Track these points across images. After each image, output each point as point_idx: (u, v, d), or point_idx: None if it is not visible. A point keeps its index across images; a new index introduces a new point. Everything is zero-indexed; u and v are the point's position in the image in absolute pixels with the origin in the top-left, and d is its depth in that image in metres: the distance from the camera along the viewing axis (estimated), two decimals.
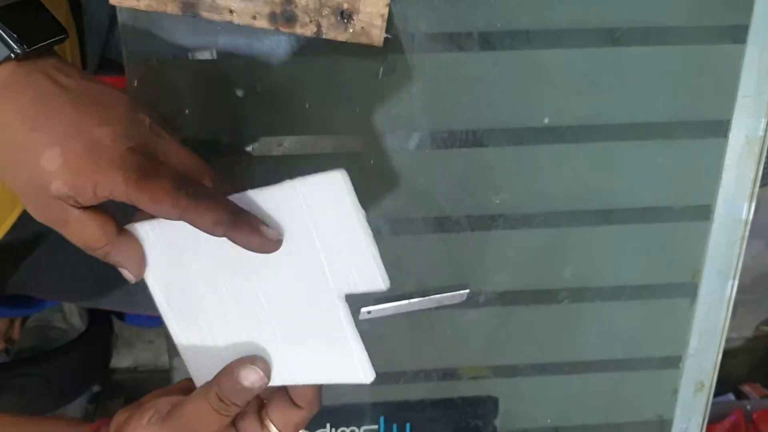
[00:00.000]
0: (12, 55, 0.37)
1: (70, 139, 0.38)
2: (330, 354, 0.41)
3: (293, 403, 0.42)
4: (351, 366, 0.41)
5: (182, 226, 0.38)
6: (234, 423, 0.42)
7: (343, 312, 0.40)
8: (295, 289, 0.41)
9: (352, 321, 0.41)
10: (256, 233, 0.38)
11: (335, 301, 0.40)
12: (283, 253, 0.39)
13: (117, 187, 0.37)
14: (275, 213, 0.39)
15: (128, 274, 0.43)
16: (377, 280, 0.39)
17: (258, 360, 0.42)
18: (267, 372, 0.42)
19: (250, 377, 0.41)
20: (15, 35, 0.37)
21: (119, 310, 0.94)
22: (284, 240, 0.39)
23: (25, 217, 0.55)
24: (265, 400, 0.43)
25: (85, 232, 0.40)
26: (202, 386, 0.42)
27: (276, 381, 0.42)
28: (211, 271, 0.42)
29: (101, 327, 1.16)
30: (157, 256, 0.43)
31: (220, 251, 0.41)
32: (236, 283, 0.42)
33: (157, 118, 0.41)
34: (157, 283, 0.43)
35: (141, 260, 0.43)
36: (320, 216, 0.38)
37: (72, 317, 1.18)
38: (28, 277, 0.68)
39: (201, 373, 0.44)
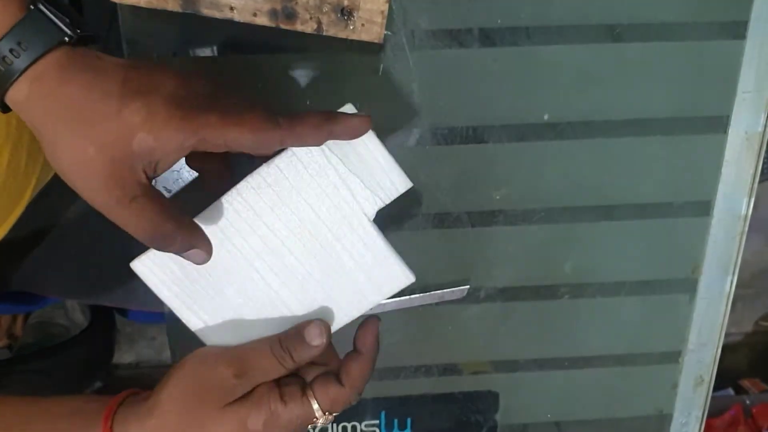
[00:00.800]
0: (66, 38, 0.37)
1: (149, 95, 0.37)
2: (370, 274, 0.45)
3: (337, 380, 0.45)
4: (392, 275, 0.45)
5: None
6: (279, 387, 0.44)
7: (374, 228, 0.44)
8: (319, 229, 0.43)
9: (382, 234, 0.44)
10: (351, 118, 0.40)
11: (363, 221, 0.43)
12: (304, 193, 0.43)
13: (211, 127, 0.37)
14: (294, 156, 0.42)
15: (199, 256, 0.41)
16: (398, 181, 0.43)
17: (322, 322, 0.44)
18: (328, 333, 0.44)
19: (313, 332, 0.44)
20: (67, 19, 0.37)
21: (121, 306, 0.94)
22: (303, 177, 0.42)
23: (26, 215, 0.55)
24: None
25: (150, 214, 0.38)
26: (266, 337, 0.45)
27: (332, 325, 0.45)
28: (234, 243, 0.44)
29: (103, 323, 1.16)
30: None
31: (238, 223, 0.43)
32: (263, 246, 0.44)
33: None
34: (156, 272, 0.44)
35: (206, 237, 0.42)
36: (333, 146, 0.42)
37: (74, 313, 1.18)
38: (31, 275, 0.68)
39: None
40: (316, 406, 0.44)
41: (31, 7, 0.37)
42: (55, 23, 0.37)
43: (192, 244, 0.41)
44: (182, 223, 0.40)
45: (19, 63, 0.36)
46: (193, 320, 0.45)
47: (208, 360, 0.44)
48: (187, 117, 0.37)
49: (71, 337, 1.11)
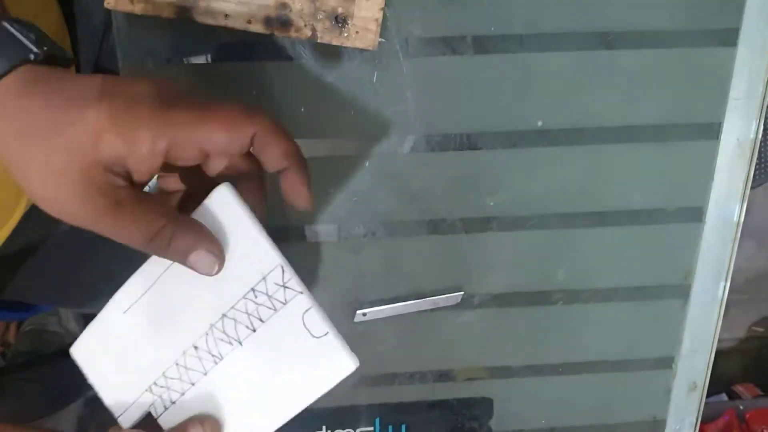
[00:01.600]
0: (31, 56, 0.35)
1: (115, 98, 0.34)
2: (302, 356, 0.39)
3: None
4: (327, 359, 0.39)
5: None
6: None
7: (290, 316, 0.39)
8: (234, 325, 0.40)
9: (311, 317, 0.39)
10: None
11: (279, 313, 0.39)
12: (214, 295, 0.40)
13: (183, 126, 0.34)
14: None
15: (206, 257, 0.38)
16: (274, 267, 0.39)
17: (208, 418, 0.41)
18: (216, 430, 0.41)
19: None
20: (33, 36, 0.35)
21: None
22: (207, 281, 0.39)
23: (20, 226, 0.55)
24: None
25: (141, 212, 0.35)
26: None
27: (273, 426, 0.41)
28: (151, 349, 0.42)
29: None
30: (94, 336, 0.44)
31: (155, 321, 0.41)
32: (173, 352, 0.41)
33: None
34: (87, 362, 0.44)
35: (214, 237, 0.38)
36: (222, 238, 0.38)
37: (68, 321, 1.17)
38: (23, 284, 0.68)
39: None
40: None
41: None
42: (20, 41, 0.35)
43: (193, 244, 0.37)
44: (179, 220, 0.37)
45: None
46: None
47: None
48: (155, 115, 0.34)
49: (65, 345, 1.10)
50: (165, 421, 0.43)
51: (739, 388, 1.61)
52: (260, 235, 0.38)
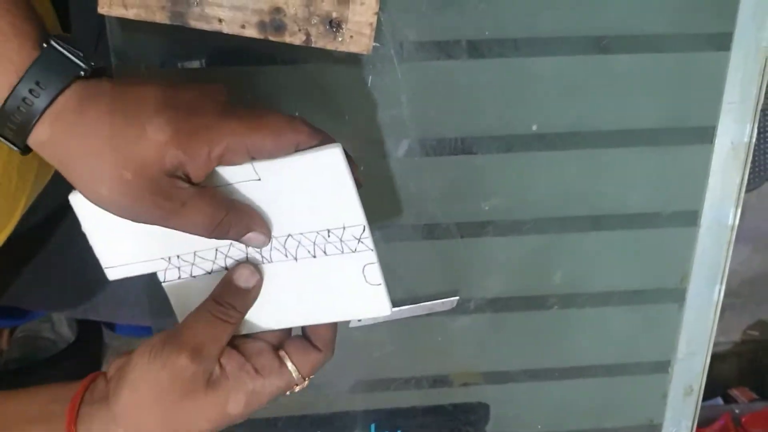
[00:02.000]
0: (82, 72, 0.37)
1: (170, 111, 0.38)
2: (347, 290, 0.46)
3: (311, 344, 0.45)
4: (369, 300, 0.46)
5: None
6: (251, 362, 0.43)
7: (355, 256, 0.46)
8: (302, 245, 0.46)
9: (374, 255, 0.46)
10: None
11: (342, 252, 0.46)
12: (287, 218, 0.45)
13: (235, 135, 0.38)
14: (276, 181, 0.44)
15: (258, 237, 0.43)
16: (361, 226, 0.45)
17: (248, 263, 0.45)
18: (259, 270, 0.45)
19: (243, 274, 0.45)
20: (80, 53, 0.37)
21: (108, 321, 0.93)
22: (287, 205, 0.45)
23: (14, 233, 0.55)
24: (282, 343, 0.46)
25: (204, 208, 0.40)
26: (200, 304, 0.44)
27: (296, 320, 0.47)
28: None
29: (91, 337, 1.15)
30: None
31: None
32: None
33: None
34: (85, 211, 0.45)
35: (262, 218, 0.44)
36: (318, 185, 0.44)
37: (61, 327, 1.17)
38: (17, 290, 0.67)
39: None
40: (296, 374, 0.44)
41: (44, 45, 0.36)
42: (69, 58, 0.37)
43: (248, 227, 0.42)
44: (235, 208, 0.42)
45: (40, 103, 0.36)
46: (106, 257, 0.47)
47: (155, 355, 0.42)
48: (211, 126, 0.38)
49: (58, 351, 1.10)
50: (171, 288, 0.48)
51: (734, 392, 1.61)
52: (356, 197, 0.45)
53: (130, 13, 0.46)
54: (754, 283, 1.68)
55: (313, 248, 0.47)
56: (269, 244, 0.46)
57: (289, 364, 0.44)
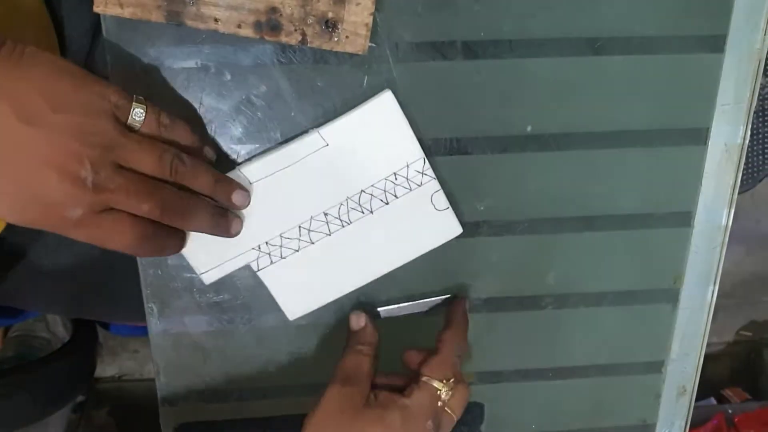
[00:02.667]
0: None
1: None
2: (421, 224, 0.52)
3: (434, 352, 0.50)
4: (441, 226, 0.53)
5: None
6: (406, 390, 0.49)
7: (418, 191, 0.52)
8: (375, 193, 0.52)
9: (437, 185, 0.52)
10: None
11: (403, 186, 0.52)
12: (357, 174, 0.51)
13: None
14: (342, 142, 0.50)
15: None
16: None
17: (356, 312, 0.53)
18: (365, 315, 0.53)
19: (353, 320, 0.53)
20: None
21: (103, 320, 0.93)
22: (356, 162, 0.50)
23: (7, 231, 0.55)
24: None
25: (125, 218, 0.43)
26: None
27: (383, 269, 0.54)
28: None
29: (85, 336, 1.15)
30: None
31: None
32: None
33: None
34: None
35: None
36: (378, 133, 0.50)
37: (56, 326, 1.17)
38: (11, 289, 0.67)
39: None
40: (434, 382, 0.48)
41: None
42: None
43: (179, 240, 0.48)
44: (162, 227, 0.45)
45: None
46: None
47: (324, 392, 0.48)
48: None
49: (53, 351, 1.10)
50: (266, 274, 0.53)
51: (727, 392, 1.62)
52: (412, 134, 0.50)
53: (126, 12, 0.46)
54: (747, 284, 1.69)
55: (385, 196, 0.51)
56: (345, 206, 0.51)
57: (424, 378, 0.49)
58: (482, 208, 0.55)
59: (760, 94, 0.54)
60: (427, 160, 0.51)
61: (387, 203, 0.52)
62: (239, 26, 0.46)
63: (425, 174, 0.51)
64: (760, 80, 0.54)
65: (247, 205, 0.50)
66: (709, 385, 1.64)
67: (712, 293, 0.60)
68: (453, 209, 0.53)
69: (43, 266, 0.67)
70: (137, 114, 0.44)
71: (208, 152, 0.49)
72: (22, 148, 0.40)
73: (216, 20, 0.46)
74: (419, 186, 0.51)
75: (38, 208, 0.41)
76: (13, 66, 0.40)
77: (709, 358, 0.62)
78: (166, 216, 0.45)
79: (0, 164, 0.40)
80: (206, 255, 0.51)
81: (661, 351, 0.62)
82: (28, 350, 1.15)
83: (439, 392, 0.48)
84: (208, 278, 0.52)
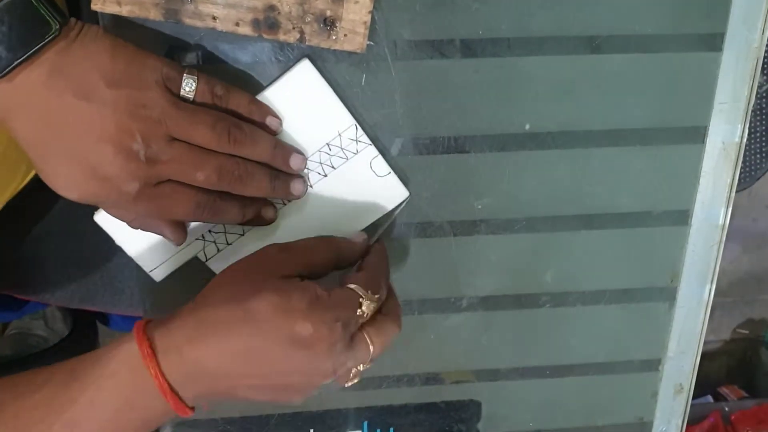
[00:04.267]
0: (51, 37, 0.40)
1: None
2: (365, 192, 0.51)
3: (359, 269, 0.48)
4: (387, 192, 0.51)
5: None
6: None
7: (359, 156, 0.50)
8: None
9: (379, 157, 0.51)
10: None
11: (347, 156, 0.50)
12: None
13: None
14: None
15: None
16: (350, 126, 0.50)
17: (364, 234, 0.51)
18: (366, 238, 0.50)
19: (357, 235, 0.51)
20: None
21: (107, 311, 0.93)
22: (282, 136, 0.49)
23: (9, 212, 0.55)
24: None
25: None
26: None
27: None
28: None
29: (86, 331, 1.14)
30: None
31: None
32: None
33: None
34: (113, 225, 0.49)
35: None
36: (302, 105, 0.48)
37: (55, 323, 1.16)
38: (15, 277, 0.67)
39: None
40: (357, 289, 0.44)
41: None
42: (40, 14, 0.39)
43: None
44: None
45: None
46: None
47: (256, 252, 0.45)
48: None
49: (53, 345, 1.10)
50: (214, 263, 0.52)
51: (724, 390, 1.62)
52: (338, 100, 0.49)
53: (124, 11, 0.46)
54: (743, 282, 1.69)
55: (322, 168, 0.50)
56: None
57: (348, 285, 0.44)
58: (480, 206, 0.55)
59: (757, 93, 0.54)
60: (359, 127, 0.49)
61: (326, 176, 0.50)
62: (237, 24, 0.46)
63: (360, 141, 0.50)
64: (757, 79, 0.54)
65: (304, 168, 0.50)
66: (705, 383, 1.64)
67: (709, 291, 0.61)
68: (397, 177, 0.51)
69: (50, 254, 0.67)
70: (188, 84, 0.44)
71: (273, 122, 0.48)
72: (77, 123, 0.41)
73: (214, 18, 0.46)
74: (355, 154, 0.50)
75: (96, 183, 0.42)
76: (75, 45, 0.41)
77: (705, 356, 0.62)
78: (224, 182, 0.45)
79: (56, 140, 0.41)
80: (151, 252, 0.50)
81: (658, 349, 0.62)
82: (25, 348, 1.14)
83: (360, 300, 0.44)
84: (158, 275, 0.51)
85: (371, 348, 0.44)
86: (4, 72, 0.39)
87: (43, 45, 0.40)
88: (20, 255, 0.66)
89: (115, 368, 0.40)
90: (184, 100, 0.44)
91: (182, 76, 0.44)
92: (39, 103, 0.41)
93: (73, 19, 0.42)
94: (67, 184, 0.42)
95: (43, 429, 0.39)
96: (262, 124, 0.48)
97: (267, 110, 0.48)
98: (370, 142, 0.50)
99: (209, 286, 0.43)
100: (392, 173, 0.51)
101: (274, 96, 0.48)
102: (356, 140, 0.50)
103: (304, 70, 0.48)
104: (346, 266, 0.48)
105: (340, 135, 0.49)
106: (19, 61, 0.39)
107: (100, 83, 0.41)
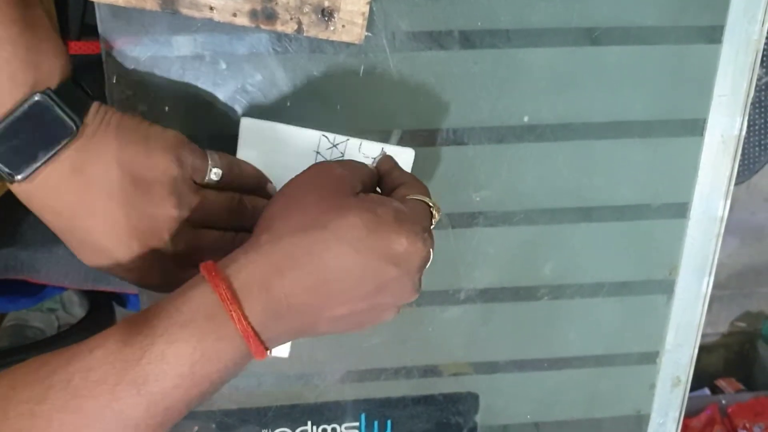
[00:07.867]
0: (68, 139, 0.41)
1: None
2: None
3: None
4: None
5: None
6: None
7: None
8: None
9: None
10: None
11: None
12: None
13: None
14: None
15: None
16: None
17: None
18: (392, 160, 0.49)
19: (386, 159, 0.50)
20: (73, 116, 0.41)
21: (121, 290, 0.92)
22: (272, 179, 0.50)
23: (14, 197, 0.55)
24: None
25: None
26: None
27: None
28: None
29: (103, 312, 1.13)
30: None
31: None
32: None
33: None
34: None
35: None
36: (269, 151, 0.50)
37: (72, 307, 1.16)
38: (27, 259, 0.67)
39: None
40: (425, 199, 0.43)
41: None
42: (60, 118, 0.40)
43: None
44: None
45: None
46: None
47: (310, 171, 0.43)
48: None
49: (72, 326, 1.09)
50: (247, 124, 0.50)
51: (721, 383, 1.63)
52: (293, 128, 0.49)
53: (121, 1, 0.45)
54: (741, 275, 1.69)
55: None
56: None
57: (411, 196, 0.43)
58: (479, 199, 0.55)
59: (757, 86, 0.54)
60: (326, 133, 0.49)
61: None
62: (234, 15, 0.46)
63: (337, 144, 0.50)
64: (757, 71, 0.54)
65: None
66: (703, 376, 1.65)
67: (706, 284, 0.61)
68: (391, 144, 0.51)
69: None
70: (215, 174, 0.47)
71: (270, 188, 0.51)
72: (102, 221, 0.43)
73: (211, 8, 0.46)
74: (343, 154, 0.50)
75: (123, 272, 0.45)
76: (94, 140, 0.42)
77: (703, 349, 0.62)
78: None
79: (83, 233, 0.43)
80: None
81: (656, 342, 0.62)
82: (22, 341, 1.14)
83: (432, 209, 0.43)
84: None
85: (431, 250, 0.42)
86: (26, 175, 0.40)
87: (61, 147, 0.41)
88: (30, 239, 0.66)
89: (189, 317, 0.37)
90: (207, 184, 0.47)
91: (207, 166, 0.46)
92: (62, 202, 0.42)
93: (93, 108, 0.43)
94: (97, 267, 0.45)
95: (105, 390, 0.36)
96: (263, 191, 0.50)
97: (264, 179, 0.50)
98: (347, 137, 0.50)
99: (269, 216, 0.40)
100: (384, 146, 0.50)
101: (244, 157, 0.50)
102: (333, 145, 0.50)
103: (248, 126, 0.49)
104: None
105: (318, 152, 0.50)
106: (39, 164, 0.40)
107: (125, 180, 0.42)
